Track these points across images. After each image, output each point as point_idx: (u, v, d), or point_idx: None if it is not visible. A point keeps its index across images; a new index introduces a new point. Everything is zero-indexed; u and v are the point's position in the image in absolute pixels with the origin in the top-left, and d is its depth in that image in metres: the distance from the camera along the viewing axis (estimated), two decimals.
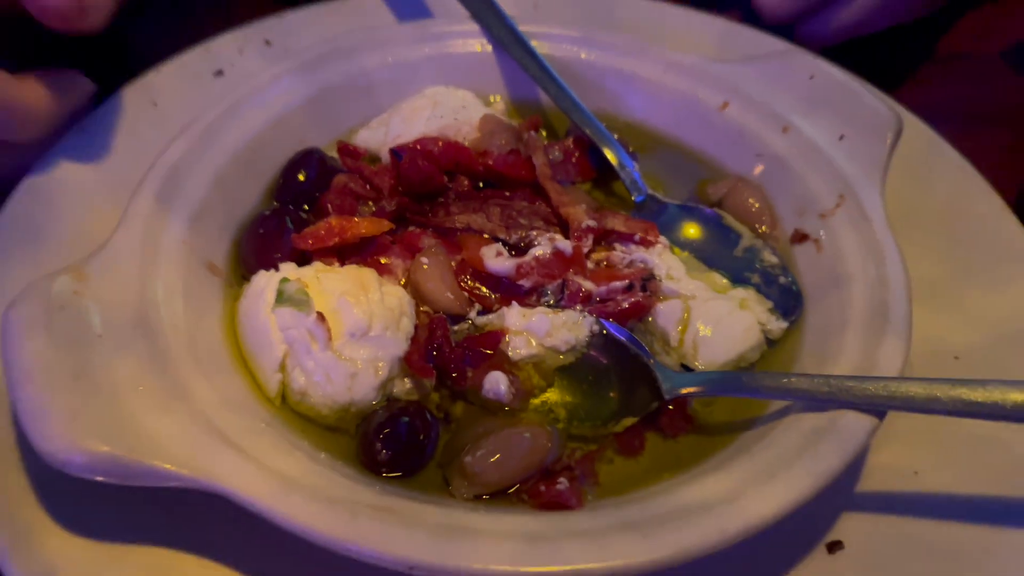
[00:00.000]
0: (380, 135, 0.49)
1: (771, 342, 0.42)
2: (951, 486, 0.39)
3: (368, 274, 0.41)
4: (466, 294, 0.42)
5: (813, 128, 0.48)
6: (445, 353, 0.39)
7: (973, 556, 0.36)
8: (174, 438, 0.33)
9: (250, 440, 0.34)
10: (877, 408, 0.35)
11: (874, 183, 0.45)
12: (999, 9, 0.73)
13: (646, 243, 0.44)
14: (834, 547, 0.37)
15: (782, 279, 0.44)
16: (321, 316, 0.38)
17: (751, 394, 0.38)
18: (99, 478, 0.33)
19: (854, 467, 0.40)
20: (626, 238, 0.44)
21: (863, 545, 0.37)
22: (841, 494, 0.39)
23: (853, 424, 0.35)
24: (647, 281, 0.43)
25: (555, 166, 0.48)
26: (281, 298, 0.39)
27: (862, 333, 0.39)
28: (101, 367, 0.35)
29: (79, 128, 0.48)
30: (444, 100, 0.50)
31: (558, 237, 0.44)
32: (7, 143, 0.44)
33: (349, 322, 0.38)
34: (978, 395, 0.34)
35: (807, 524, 0.38)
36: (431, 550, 0.31)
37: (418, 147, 0.46)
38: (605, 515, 0.33)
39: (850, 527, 0.38)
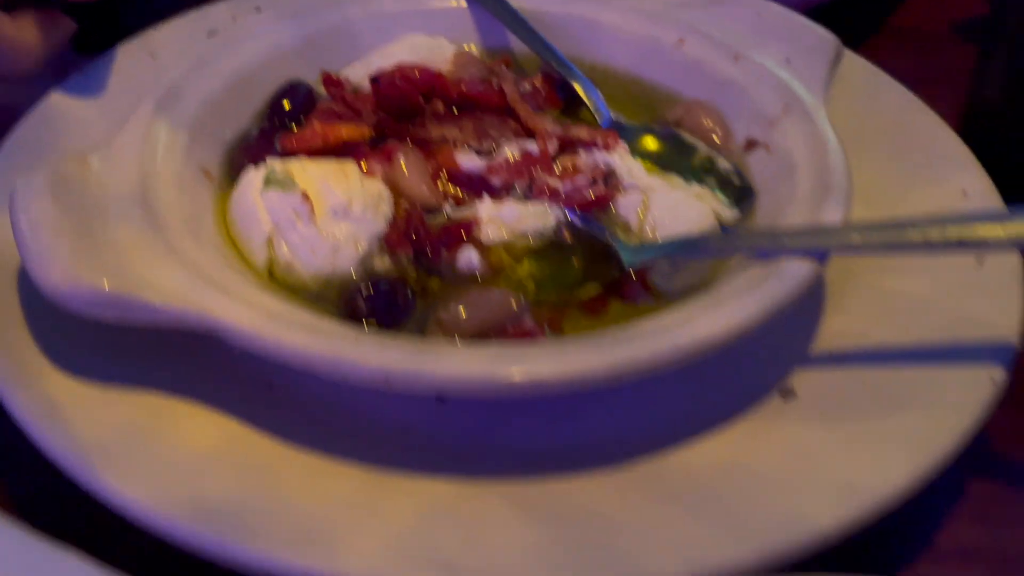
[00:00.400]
0: (362, 72, 0.53)
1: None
2: (896, 340, 0.41)
3: (349, 164, 0.44)
4: (441, 192, 0.46)
5: (761, 55, 0.52)
6: (421, 235, 0.43)
7: (916, 393, 0.39)
8: (171, 281, 0.36)
9: (241, 288, 0.37)
10: (819, 252, 0.38)
11: (817, 94, 0.49)
12: None
13: (608, 147, 0.48)
14: (787, 395, 0.40)
15: (735, 180, 0.48)
16: (305, 195, 0.42)
17: (699, 253, 0.41)
18: (99, 314, 0.35)
19: (806, 330, 0.43)
20: (589, 144, 0.48)
21: (814, 392, 0.40)
22: (794, 353, 0.42)
23: (797, 267, 0.38)
24: (608, 177, 0.46)
25: (524, 96, 0.52)
26: (268, 182, 0.42)
27: (807, 205, 0.42)
28: (102, 227, 0.38)
29: (81, 71, 0.52)
30: (421, 44, 0.55)
31: (527, 142, 0.47)
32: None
33: (331, 201, 0.42)
34: (911, 234, 0.37)
35: (761, 377, 0.40)
36: (406, 361, 0.34)
37: (397, 72, 0.50)
38: (567, 340, 0.36)
39: (802, 379, 0.40)
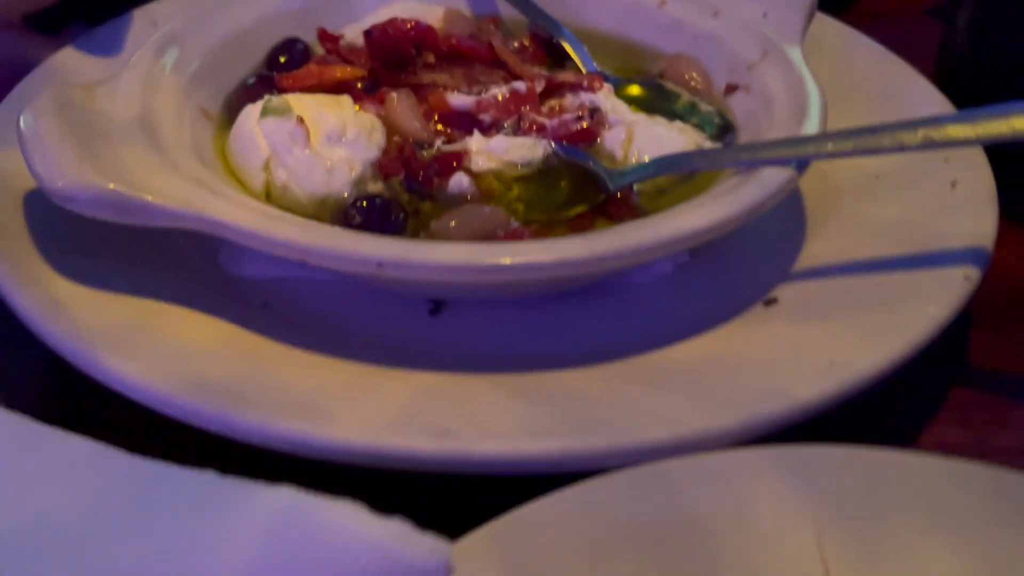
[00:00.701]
0: (356, 32, 0.55)
1: None
2: (874, 255, 0.43)
3: (344, 97, 0.46)
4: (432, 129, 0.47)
5: (740, 10, 0.54)
6: (413, 164, 0.44)
7: (894, 292, 0.40)
8: (173, 186, 0.37)
9: (239, 196, 0.39)
10: (797, 160, 0.40)
11: (794, 41, 0.51)
12: None
13: (593, 88, 0.50)
14: (769, 303, 0.41)
15: (717, 119, 0.50)
16: (301, 120, 0.43)
17: (680, 168, 0.43)
18: (102, 214, 0.37)
19: (787, 253, 0.44)
20: (575, 86, 0.50)
21: (796, 299, 0.41)
22: (776, 272, 0.43)
23: (775, 173, 0.40)
24: (594, 113, 0.48)
25: (513, 52, 0.54)
26: (266, 111, 0.44)
27: (784, 128, 0.44)
28: (105, 145, 0.39)
29: (87, 34, 0.54)
30: (414, 8, 0.57)
31: (516, 83, 0.49)
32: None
33: (326, 127, 0.43)
34: (883, 139, 0.39)
35: (745, 292, 0.42)
36: (398, 249, 0.35)
37: (389, 23, 0.52)
38: (554, 238, 0.37)
39: (784, 291, 0.42)
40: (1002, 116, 0.37)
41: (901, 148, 0.39)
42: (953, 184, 0.45)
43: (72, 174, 0.36)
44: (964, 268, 0.40)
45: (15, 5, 0.49)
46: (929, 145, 0.38)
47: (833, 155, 0.40)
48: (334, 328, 0.40)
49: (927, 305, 0.38)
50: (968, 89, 0.52)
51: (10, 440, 0.32)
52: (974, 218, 0.43)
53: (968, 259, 0.40)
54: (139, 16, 0.56)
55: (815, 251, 0.44)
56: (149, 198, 0.36)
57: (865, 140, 0.39)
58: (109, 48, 0.54)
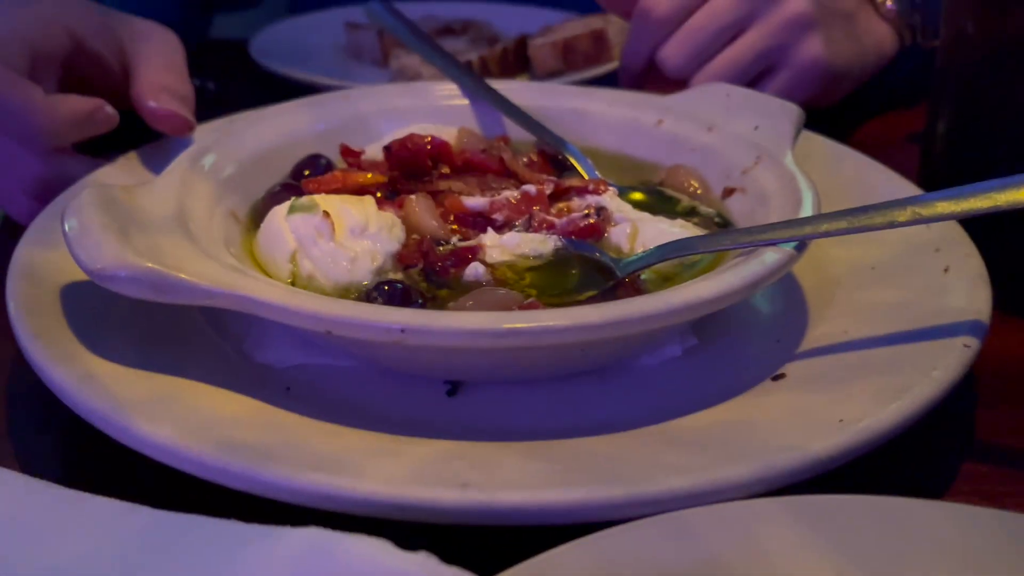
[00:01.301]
0: (377, 149, 0.59)
1: None
2: (875, 333, 0.44)
3: (367, 197, 0.49)
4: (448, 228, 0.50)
5: (733, 125, 0.58)
6: (431, 256, 0.47)
7: (897, 362, 0.41)
8: (206, 268, 0.40)
9: (268, 278, 0.41)
10: (795, 241, 0.42)
11: (785, 148, 0.54)
12: (907, 113, 0.86)
13: (598, 191, 0.53)
14: (777, 378, 0.42)
15: (716, 219, 0.53)
16: (326, 215, 0.46)
17: (684, 252, 0.45)
18: (140, 293, 0.39)
19: (792, 338, 0.46)
20: (581, 190, 0.53)
21: (803, 374, 0.42)
22: (783, 354, 0.44)
23: (775, 252, 0.42)
24: (600, 211, 0.51)
25: (522, 165, 0.58)
26: (293, 208, 0.47)
27: (778, 216, 0.47)
28: (144, 234, 0.42)
29: (126, 154, 0.58)
30: (429, 130, 0.61)
31: (526, 185, 0.53)
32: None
33: (350, 221, 0.46)
34: (875, 217, 0.42)
35: (753, 371, 0.43)
36: (421, 317, 0.37)
37: (408, 137, 0.56)
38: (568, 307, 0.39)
39: (791, 368, 0.43)
40: (982, 192, 0.40)
41: (892, 224, 0.41)
42: (946, 270, 0.47)
43: (112, 255, 0.39)
44: (963, 338, 0.41)
45: (67, 133, 0.53)
46: (917, 221, 0.41)
47: (828, 234, 0.42)
48: (354, 409, 0.41)
49: (931, 370, 0.39)
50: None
51: (38, 504, 0.32)
52: (969, 296, 0.45)
53: (966, 331, 0.42)
54: (173, 141, 0.61)
55: (818, 333, 0.46)
56: (184, 276, 0.39)
57: (858, 219, 0.42)
58: (147, 164, 0.58)
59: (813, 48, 0.69)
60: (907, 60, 0.82)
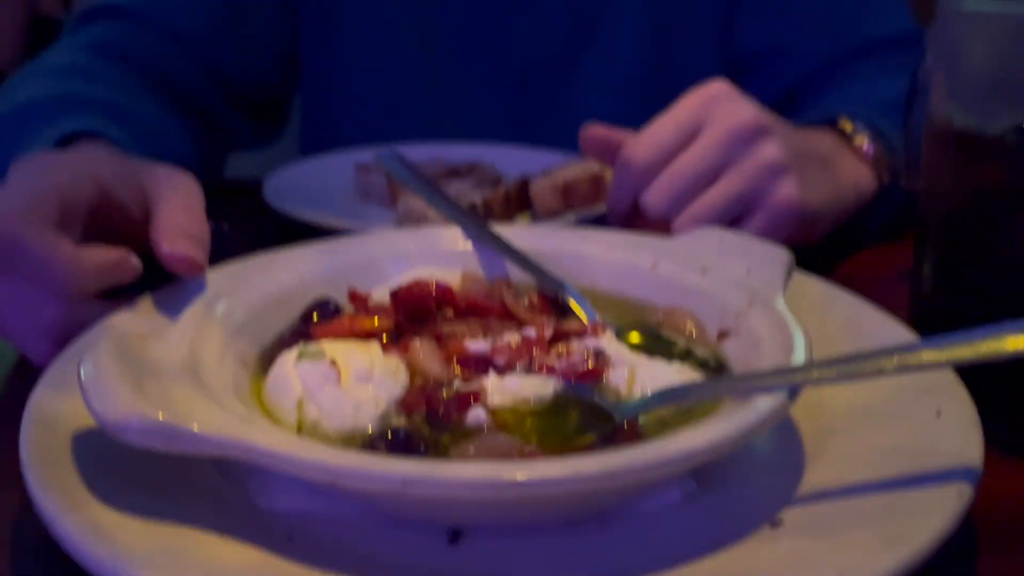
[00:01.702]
0: (383, 293, 0.61)
1: None
2: (866, 478, 0.45)
3: (372, 342, 0.51)
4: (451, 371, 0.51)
5: (726, 268, 0.60)
6: (434, 400, 0.48)
7: (892, 510, 0.42)
8: (216, 418, 0.41)
9: (275, 428, 0.42)
10: (788, 387, 0.44)
11: (776, 292, 0.56)
12: (896, 247, 0.89)
13: (596, 335, 0.54)
14: (775, 524, 0.43)
15: (711, 361, 0.54)
16: (333, 362, 0.48)
17: (681, 399, 0.46)
18: (151, 444, 0.40)
19: (788, 481, 0.46)
20: (580, 333, 0.55)
21: (799, 521, 0.43)
22: (779, 499, 0.45)
23: (768, 399, 0.43)
24: (598, 355, 0.52)
25: (523, 307, 0.60)
26: (302, 355, 0.48)
27: (771, 360, 0.48)
28: (156, 383, 0.43)
29: (141, 297, 0.60)
30: (435, 273, 0.63)
31: (526, 329, 0.54)
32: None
33: (356, 367, 0.48)
34: (864, 366, 0.43)
35: (751, 516, 0.43)
36: (422, 468, 0.38)
37: (413, 283, 0.58)
38: (568, 457, 0.40)
39: (789, 514, 0.43)
40: (968, 342, 0.41)
41: (879, 373, 0.42)
42: (938, 413, 0.48)
43: (125, 407, 0.40)
44: (957, 485, 0.42)
45: (92, 283, 0.56)
46: (904, 369, 0.42)
47: (819, 382, 0.44)
48: (355, 557, 0.41)
49: (927, 518, 0.39)
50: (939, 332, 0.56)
51: None
52: (961, 441, 0.46)
53: (960, 477, 0.42)
54: (186, 286, 0.63)
55: (815, 478, 0.47)
56: (195, 428, 0.40)
57: (847, 367, 0.43)
58: (162, 308, 0.60)
59: (788, 191, 0.72)
60: (892, 196, 0.86)
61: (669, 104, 0.75)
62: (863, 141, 0.84)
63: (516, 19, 1.07)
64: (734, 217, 0.74)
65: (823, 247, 0.83)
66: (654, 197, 0.73)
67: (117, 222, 0.62)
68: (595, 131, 0.78)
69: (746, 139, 0.72)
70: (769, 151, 0.72)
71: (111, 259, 0.57)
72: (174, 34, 0.97)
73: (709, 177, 0.73)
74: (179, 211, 0.61)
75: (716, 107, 0.73)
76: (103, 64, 0.91)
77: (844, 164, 0.82)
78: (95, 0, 0.99)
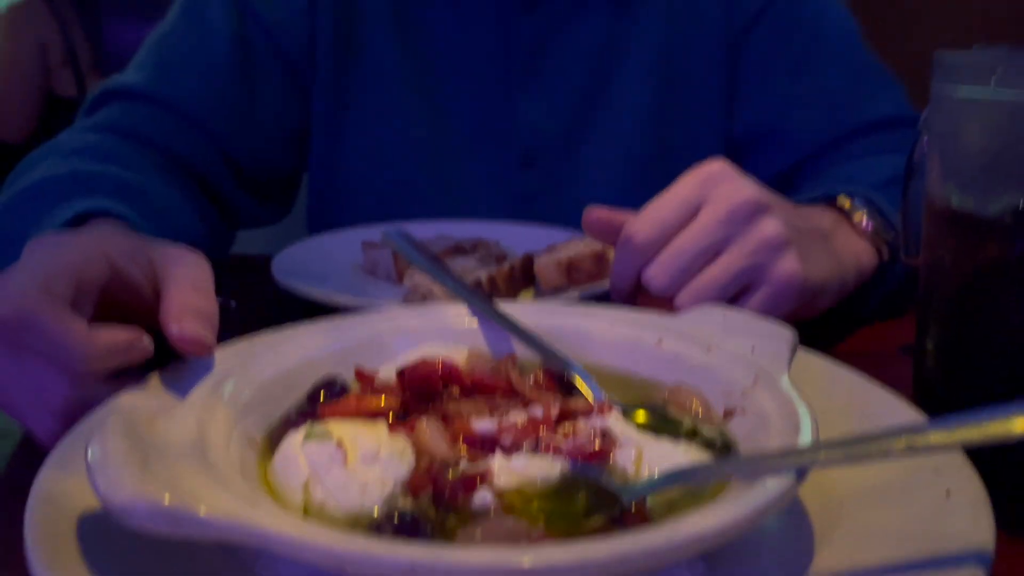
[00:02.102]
0: (389, 371, 0.62)
1: None
2: (876, 561, 0.44)
3: (379, 422, 0.51)
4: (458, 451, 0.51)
5: (730, 345, 0.61)
6: (440, 482, 0.48)
7: None
8: (220, 500, 0.41)
9: (282, 511, 0.42)
10: (795, 469, 0.43)
11: (781, 369, 0.57)
12: (897, 323, 0.90)
13: (603, 414, 0.54)
14: None
15: (719, 440, 0.54)
16: (340, 443, 0.48)
17: (688, 481, 0.46)
18: (157, 528, 0.40)
19: (800, 561, 0.46)
20: (586, 412, 0.55)
21: None
22: None
23: (776, 481, 0.43)
24: (605, 435, 0.52)
25: (529, 385, 0.60)
26: (308, 436, 0.49)
27: (779, 445, 0.48)
28: (163, 463, 0.43)
29: (148, 376, 0.60)
30: (441, 350, 0.64)
31: (532, 408, 0.54)
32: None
33: (362, 448, 0.48)
34: (871, 447, 0.43)
35: None
36: (428, 553, 0.37)
37: (420, 362, 0.58)
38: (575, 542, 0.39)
39: None
40: (976, 423, 0.41)
41: (887, 455, 0.42)
42: (947, 493, 0.48)
43: (131, 490, 0.40)
44: (970, 569, 0.41)
45: (104, 363, 0.56)
46: (912, 451, 0.42)
47: (827, 463, 0.43)
48: None
49: None
50: (944, 410, 0.56)
51: None
52: (972, 523, 0.45)
53: (973, 561, 0.42)
54: (194, 364, 0.63)
55: (825, 559, 0.46)
56: (201, 511, 0.40)
57: (854, 449, 0.43)
58: (171, 387, 0.60)
59: (789, 266, 0.73)
60: (891, 271, 0.87)
61: (670, 184, 0.76)
62: (861, 217, 0.85)
63: (521, 100, 1.10)
64: (736, 293, 0.74)
65: (824, 323, 0.83)
66: (656, 273, 0.74)
67: (128, 300, 0.63)
68: (597, 213, 0.79)
69: (747, 216, 0.73)
70: (770, 227, 0.73)
71: (123, 340, 0.57)
72: (186, 116, 1.00)
73: (710, 253, 0.74)
74: (188, 290, 0.62)
75: (716, 185, 0.74)
76: (116, 144, 0.93)
77: (844, 239, 0.83)
78: (109, 83, 1.02)
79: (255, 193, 1.08)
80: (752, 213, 0.74)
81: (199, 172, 1.00)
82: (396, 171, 1.12)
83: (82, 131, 0.96)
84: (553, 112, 1.11)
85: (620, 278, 0.78)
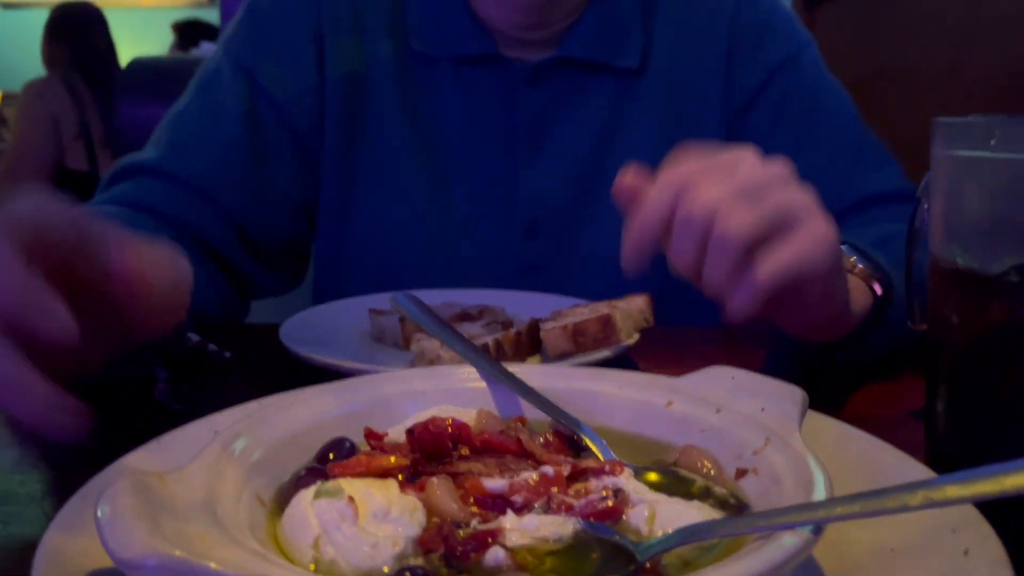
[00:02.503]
0: (399, 432, 0.61)
1: None
2: None
3: (390, 480, 0.50)
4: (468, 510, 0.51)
5: (740, 406, 0.61)
6: (451, 540, 0.47)
7: None
8: (232, 557, 0.40)
9: (293, 568, 0.41)
10: (812, 524, 0.43)
11: (792, 429, 0.57)
12: (904, 385, 0.89)
13: (614, 473, 0.54)
14: None
15: (731, 500, 0.53)
16: (351, 500, 0.47)
17: (703, 537, 0.45)
18: None
19: None
20: (598, 472, 0.54)
21: None
22: None
23: (792, 536, 0.42)
24: (617, 493, 0.52)
25: (539, 445, 0.60)
26: (319, 493, 0.48)
27: (793, 502, 0.48)
28: (173, 520, 0.43)
29: (156, 440, 0.60)
30: (450, 411, 0.64)
31: (544, 467, 0.54)
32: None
33: (373, 505, 0.47)
34: (887, 502, 0.43)
35: None
36: None
37: (430, 421, 0.58)
38: None
39: None
40: (991, 477, 0.41)
41: (904, 509, 0.42)
42: (965, 552, 0.47)
43: (142, 544, 0.40)
44: None
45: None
46: (930, 504, 0.42)
47: (843, 517, 0.43)
48: None
49: None
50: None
51: None
52: None
53: None
54: (202, 425, 0.63)
55: None
56: (212, 566, 0.39)
57: (871, 502, 0.43)
58: (179, 448, 0.60)
59: (823, 224, 0.71)
60: (890, 309, 0.87)
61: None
62: (853, 263, 0.87)
63: (525, 173, 1.12)
64: (775, 230, 0.70)
65: (831, 384, 0.83)
66: (697, 195, 0.69)
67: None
68: (629, 179, 0.77)
69: (784, 179, 0.72)
70: (804, 194, 0.72)
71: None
72: (198, 191, 1.02)
73: (749, 197, 0.70)
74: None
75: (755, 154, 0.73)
76: (131, 216, 0.95)
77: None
78: (127, 160, 1.05)
79: (266, 263, 1.10)
80: (790, 180, 0.72)
81: (211, 243, 1.02)
82: (401, 243, 1.14)
83: (99, 204, 0.98)
84: (557, 184, 1.13)
85: (654, 209, 0.73)
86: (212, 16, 2.93)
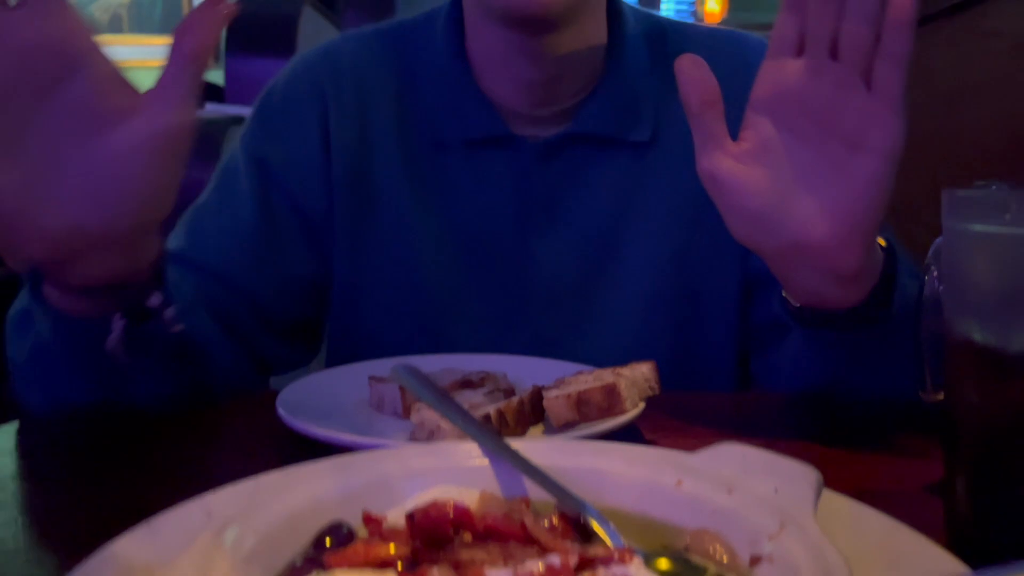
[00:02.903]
0: (399, 515, 0.59)
1: None
2: None
3: (388, 571, 0.48)
4: None
5: (752, 487, 0.59)
6: None
7: None
8: None
9: None
10: None
11: (807, 512, 0.54)
12: (917, 461, 0.87)
13: (624, 561, 0.52)
14: None
15: None
16: None
17: None
18: None
19: None
20: (607, 560, 0.52)
21: None
22: None
23: None
24: None
25: (544, 530, 0.57)
26: None
27: None
28: None
29: (146, 525, 0.58)
30: (452, 492, 0.61)
31: (550, 556, 0.51)
32: None
33: None
34: None
35: None
36: None
37: (431, 506, 0.56)
38: None
39: None
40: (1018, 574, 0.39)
41: None
42: None
43: None
44: None
45: None
46: None
47: None
48: None
49: None
50: (979, 555, 0.54)
51: None
52: None
53: None
54: (195, 507, 0.61)
55: None
56: None
57: None
58: (168, 535, 0.58)
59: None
60: (901, 266, 0.86)
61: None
62: None
63: (537, 247, 1.11)
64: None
65: (845, 462, 0.81)
66: None
67: None
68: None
69: None
70: None
71: None
72: (213, 273, 1.07)
73: None
74: None
75: None
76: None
77: None
78: None
79: (281, 337, 1.13)
80: None
81: (230, 322, 1.06)
82: (412, 318, 1.14)
83: None
84: (570, 258, 1.11)
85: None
86: (217, 77, 2.96)
